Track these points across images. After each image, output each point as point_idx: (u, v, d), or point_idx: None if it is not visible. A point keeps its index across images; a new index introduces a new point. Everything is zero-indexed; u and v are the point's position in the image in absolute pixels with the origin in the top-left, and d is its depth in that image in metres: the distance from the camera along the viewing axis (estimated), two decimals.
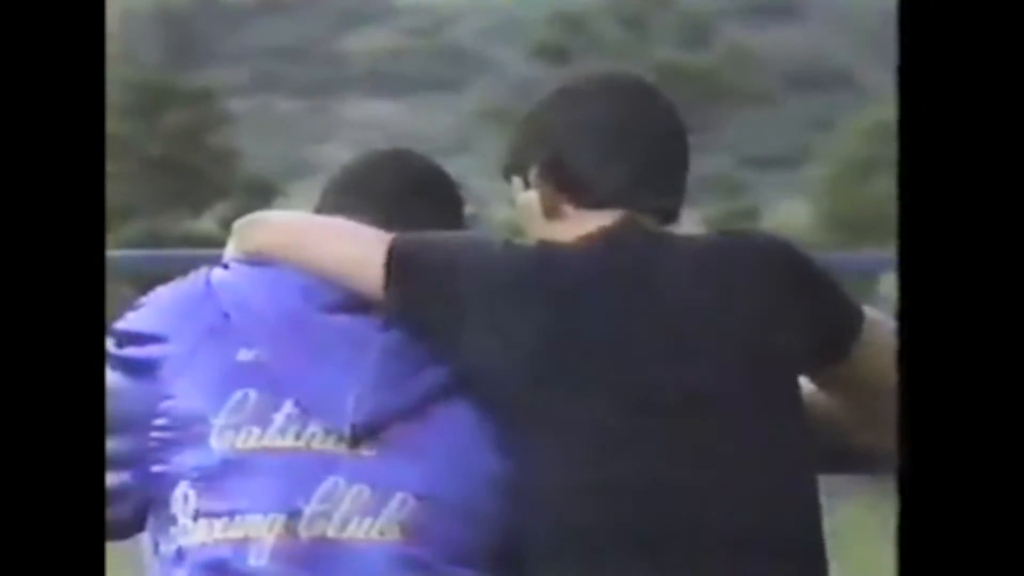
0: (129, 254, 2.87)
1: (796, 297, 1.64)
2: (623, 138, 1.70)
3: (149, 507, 1.65)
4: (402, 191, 1.74)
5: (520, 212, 1.75)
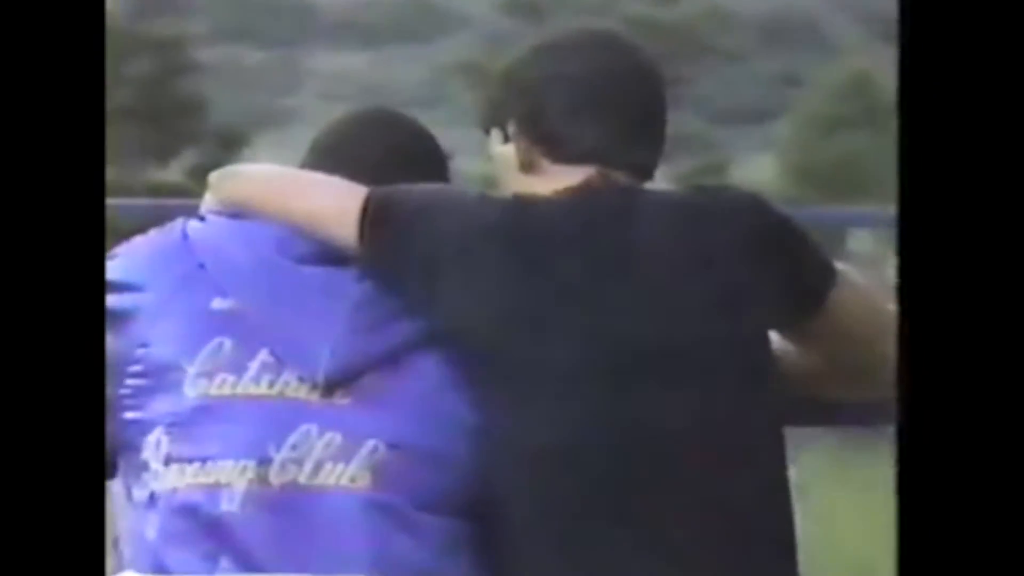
0: None
1: (769, 252, 1.66)
2: (601, 93, 1.70)
3: (119, 454, 1.66)
4: (387, 152, 1.75)
5: (497, 165, 1.75)
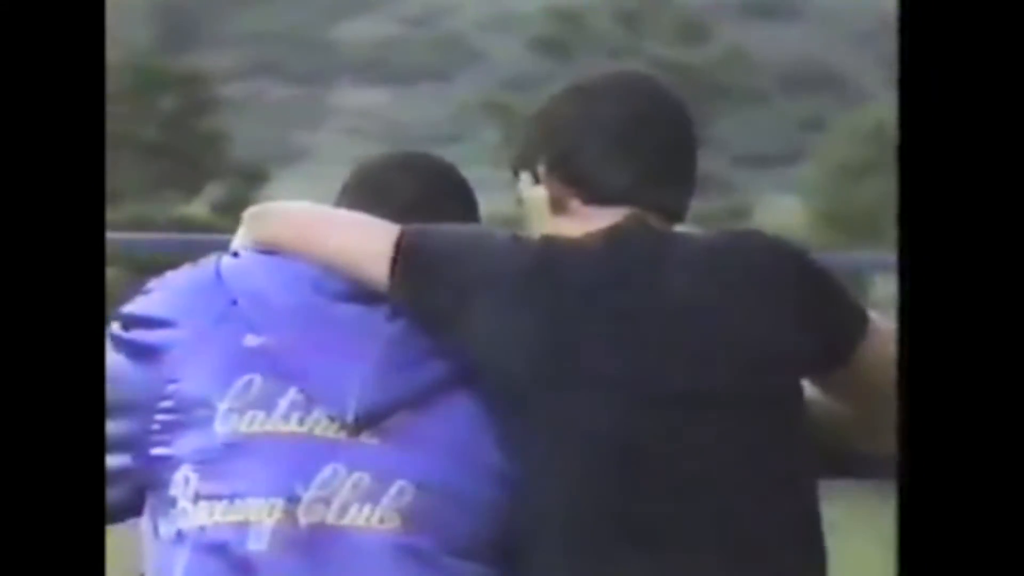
0: (119, 237, 2.86)
1: (802, 299, 1.65)
2: (633, 136, 1.70)
3: (147, 490, 1.65)
4: (419, 193, 1.75)
5: (527, 207, 1.75)
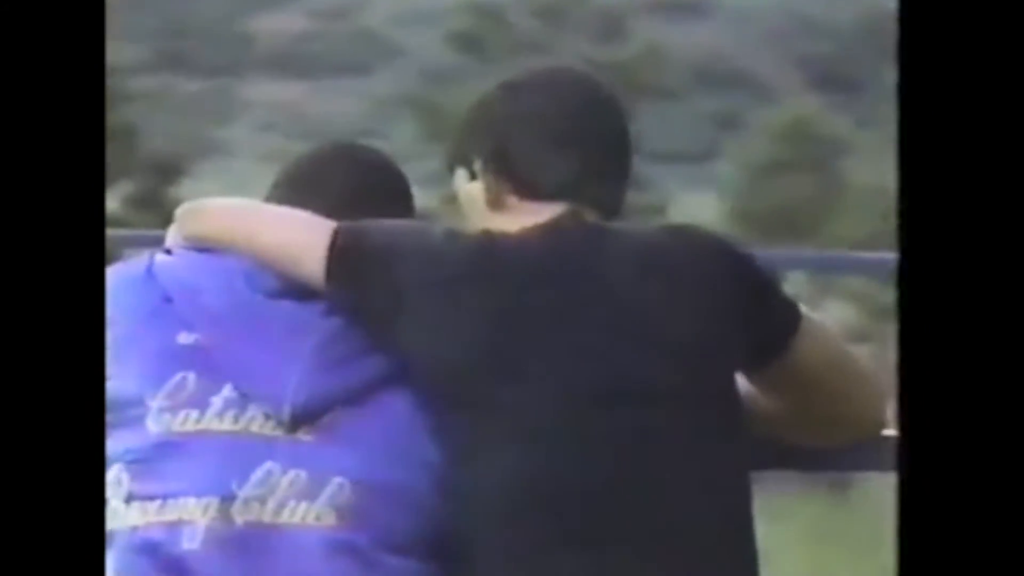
0: None
1: (736, 294, 1.66)
2: (568, 132, 1.70)
3: None
4: (353, 186, 1.74)
5: (463, 203, 1.75)
